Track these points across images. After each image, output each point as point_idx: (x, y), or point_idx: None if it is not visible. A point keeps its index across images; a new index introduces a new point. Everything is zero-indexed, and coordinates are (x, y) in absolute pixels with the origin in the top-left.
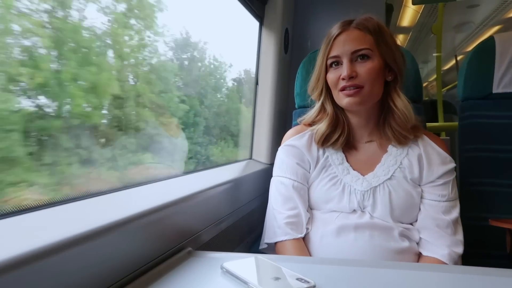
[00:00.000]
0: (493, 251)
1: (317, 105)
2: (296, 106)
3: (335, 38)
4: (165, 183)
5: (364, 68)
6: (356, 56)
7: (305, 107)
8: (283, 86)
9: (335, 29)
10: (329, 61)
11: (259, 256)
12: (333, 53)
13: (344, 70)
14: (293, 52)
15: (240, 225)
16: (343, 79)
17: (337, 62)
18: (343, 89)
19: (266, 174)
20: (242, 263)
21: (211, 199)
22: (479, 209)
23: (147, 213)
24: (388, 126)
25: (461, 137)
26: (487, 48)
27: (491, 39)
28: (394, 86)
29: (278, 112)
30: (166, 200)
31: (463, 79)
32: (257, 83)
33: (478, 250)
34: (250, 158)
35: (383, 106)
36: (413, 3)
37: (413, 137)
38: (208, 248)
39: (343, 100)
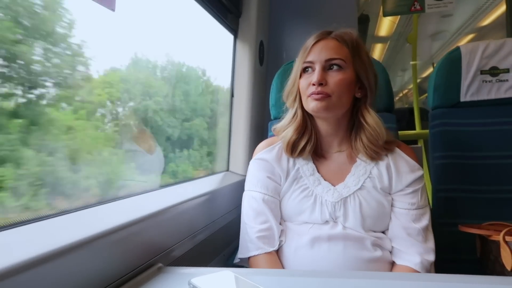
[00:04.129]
0: (464, 256)
1: (291, 112)
2: (272, 117)
3: (312, 46)
4: (138, 198)
5: (334, 78)
6: (329, 65)
7: (281, 118)
8: (259, 97)
9: (313, 38)
10: (304, 66)
11: (231, 270)
12: (308, 59)
13: (314, 76)
14: (268, 64)
15: (216, 238)
16: (313, 84)
17: (310, 68)
18: (310, 95)
19: (244, 186)
20: (211, 278)
21: (185, 213)
22: (450, 215)
23: (115, 230)
24: (359, 141)
25: (432, 145)
26: (454, 59)
27: (457, 49)
28: (364, 103)
29: (254, 123)
30: (135, 216)
31: (432, 89)
32: (232, 95)
33: (450, 256)
34: (227, 170)
35: (353, 120)
36: (384, 15)
37: (385, 151)
38: (182, 263)
39: (310, 104)
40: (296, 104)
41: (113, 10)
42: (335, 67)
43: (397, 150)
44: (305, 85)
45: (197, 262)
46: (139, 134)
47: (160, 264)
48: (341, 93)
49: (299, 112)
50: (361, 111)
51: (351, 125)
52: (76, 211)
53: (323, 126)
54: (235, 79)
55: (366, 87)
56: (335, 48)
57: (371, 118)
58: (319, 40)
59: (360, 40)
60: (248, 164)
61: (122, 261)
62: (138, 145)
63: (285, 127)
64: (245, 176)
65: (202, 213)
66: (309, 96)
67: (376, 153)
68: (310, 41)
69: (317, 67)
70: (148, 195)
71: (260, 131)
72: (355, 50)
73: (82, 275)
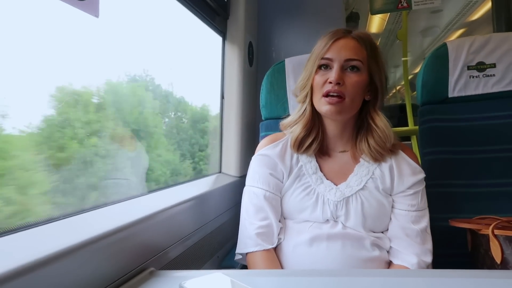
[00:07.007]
0: (456, 251)
1: (300, 108)
2: (263, 117)
3: (332, 43)
4: (130, 203)
5: (351, 80)
6: (347, 65)
7: (272, 118)
8: (250, 98)
9: (332, 34)
10: (321, 62)
11: (223, 272)
12: (327, 55)
13: (333, 75)
14: (258, 65)
15: (209, 240)
16: (330, 82)
17: (327, 66)
18: (326, 94)
19: (236, 186)
20: (203, 281)
21: (177, 216)
22: (441, 210)
23: (106, 235)
24: (365, 143)
25: (421, 141)
26: (441, 55)
27: (443, 45)
28: (373, 105)
29: (245, 124)
30: (126, 221)
31: (420, 85)
32: (223, 97)
33: (442, 251)
34: (220, 172)
35: (361, 123)
36: (372, 13)
37: (390, 153)
38: (175, 266)
39: (323, 106)
40: (307, 100)
41: (96, 16)
42: (352, 68)
43: (401, 152)
44: (320, 82)
45: (190, 265)
46: None
47: (152, 268)
48: (355, 95)
49: (308, 109)
50: (370, 113)
51: (357, 126)
52: (67, 217)
53: (330, 126)
54: (225, 81)
55: (378, 89)
56: (355, 49)
57: (381, 121)
58: (339, 38)
59: (376, 43)
60: (241, 165)
61: (113, 266)
62: None
63: (293, 123)
64: (239, 177)
65: (195, 215)
66: (324, 95)
67: (380, 155)
68: (329, 37)
69: (336, 66)
70: (139, 199)
71: (251, 132)
72: (373, 52)
73: (73, 281)
